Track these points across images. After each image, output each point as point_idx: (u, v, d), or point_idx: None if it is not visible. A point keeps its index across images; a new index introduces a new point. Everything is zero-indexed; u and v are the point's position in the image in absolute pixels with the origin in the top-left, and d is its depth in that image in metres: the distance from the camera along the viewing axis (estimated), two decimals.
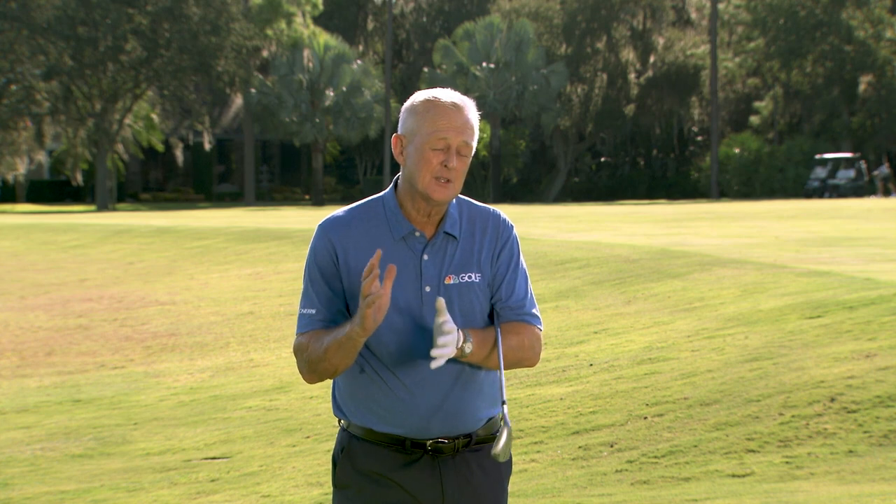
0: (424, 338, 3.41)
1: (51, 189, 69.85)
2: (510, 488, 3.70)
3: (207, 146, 66.25)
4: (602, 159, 72.62)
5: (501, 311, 3.52)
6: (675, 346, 10.77)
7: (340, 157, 75.61)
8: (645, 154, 73.01)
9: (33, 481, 9.08)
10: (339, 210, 3.55)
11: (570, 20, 67.53)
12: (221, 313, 17.71)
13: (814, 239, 20.01)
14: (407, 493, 3.47)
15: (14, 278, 24.13)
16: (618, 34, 69.09)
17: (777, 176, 60.89)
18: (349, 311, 3.46)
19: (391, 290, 3.37)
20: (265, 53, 64.51)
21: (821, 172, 57.37)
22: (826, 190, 56.14)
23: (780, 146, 63.29)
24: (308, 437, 9.70)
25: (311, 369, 3.43)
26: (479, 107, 3.54)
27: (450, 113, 3.42)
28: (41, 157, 65.29)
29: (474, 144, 3.46)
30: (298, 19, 63.86)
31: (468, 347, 3.38)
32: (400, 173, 3.52)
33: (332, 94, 63.20)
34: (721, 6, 65.34)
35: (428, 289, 3.44)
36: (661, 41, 69.39)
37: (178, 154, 66.93)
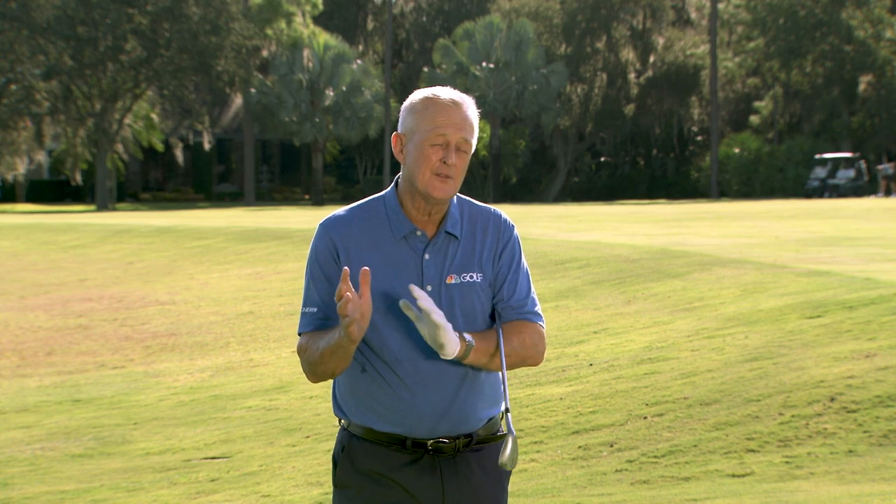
0: None
1: (51, 189, 69.82)
2: (510, 488, 3.70)
3: (207, 146, 66.27)
4: (602, 159, 72.64)
5: (503, 311, 3.51)
6: (675, 345, 10.77)
7: (340, 157, 75.60)
8: (645, 154, 73.02)
9: (33, 481, 9.08)
10: (341, 209, 3.55)
11: (569, 20, 67.53)
12: (221, 313, 17.72)
13: (814, 239, 20.00)
14: (407, 492, 3.46)
15: (14, 278, 24.13)
16: (618, 34, 69.10)
17: (777, 176, 60.91)
18: None
19: (393, 290, 3.38)
20: (265, 53, 64.50)
21: (821, 172, 57.37)
22: (826, 190, 56.14)
23: (779, 146, 63.30)
24: (308, 436, 9.69)
25: (312, 371, 3.45)
26: (479, 107, 3.53)
27: (449, 110, 3.42)
28: (41, 156, 65.30)
29: (474, 142, 3.46)
30: (298, 19, 63.85)
31: (468, 336, 3.37)
32: (401, 173, 3.52)
33: (331, 93, 63.19)
34: (721, 6, 65.34)
35: (429, 288, 3.43)
36: (660, 41, 69.41)
37: (178, 154, 66.95)
